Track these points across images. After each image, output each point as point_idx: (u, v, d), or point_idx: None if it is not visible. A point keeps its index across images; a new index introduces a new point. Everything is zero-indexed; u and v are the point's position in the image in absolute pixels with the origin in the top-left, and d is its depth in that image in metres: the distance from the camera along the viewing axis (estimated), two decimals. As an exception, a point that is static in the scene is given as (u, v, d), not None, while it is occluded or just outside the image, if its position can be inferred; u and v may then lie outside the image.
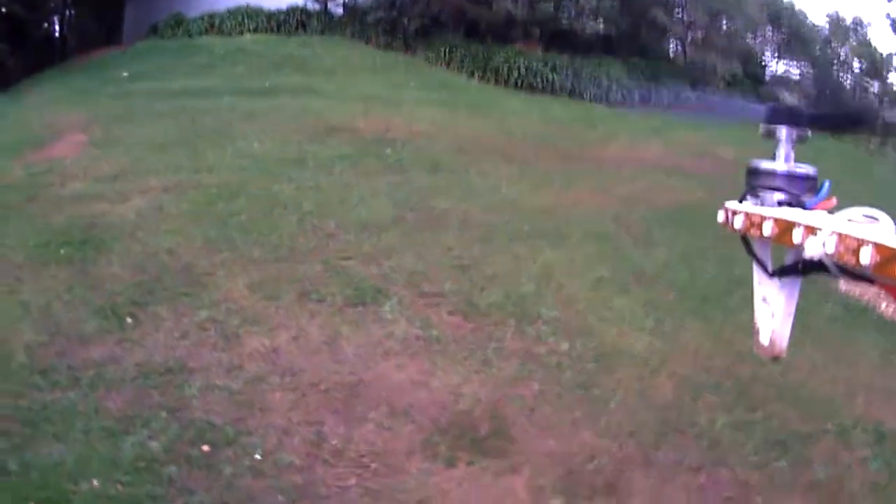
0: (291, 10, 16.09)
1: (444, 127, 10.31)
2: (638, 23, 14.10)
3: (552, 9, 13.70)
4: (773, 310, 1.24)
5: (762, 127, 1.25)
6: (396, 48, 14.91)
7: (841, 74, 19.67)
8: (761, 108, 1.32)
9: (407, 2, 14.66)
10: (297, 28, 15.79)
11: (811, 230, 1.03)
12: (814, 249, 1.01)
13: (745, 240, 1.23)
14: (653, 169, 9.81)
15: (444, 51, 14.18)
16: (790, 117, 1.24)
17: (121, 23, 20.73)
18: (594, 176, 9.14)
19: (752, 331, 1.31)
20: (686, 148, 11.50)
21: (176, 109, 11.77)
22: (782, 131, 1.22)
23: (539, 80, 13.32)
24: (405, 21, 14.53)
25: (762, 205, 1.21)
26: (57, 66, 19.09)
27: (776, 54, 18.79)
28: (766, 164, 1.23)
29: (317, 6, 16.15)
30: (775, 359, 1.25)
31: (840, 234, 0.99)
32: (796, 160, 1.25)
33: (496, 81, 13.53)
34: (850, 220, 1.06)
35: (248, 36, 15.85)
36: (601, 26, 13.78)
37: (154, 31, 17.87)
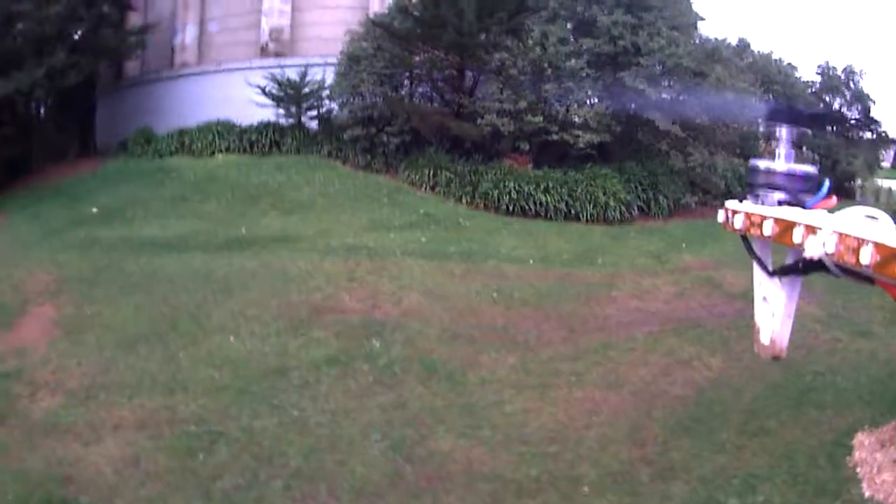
0: (264, 127, 15.28)
1: (436, 296, 9.57)
2: (633, 127, 13.32)
3: (541, 120, 12.87)
4: (774, 309, 1.49)
5: (762, 126, 0.89)
6: (377, 168, 14.09)
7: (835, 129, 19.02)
8: (762, 107, 1.56)
9: (386, 116, 13.82)
10: (270, 147, 14.98)
11: (811, 230, 1.17)
12: (814, 249, 1.17)
13: (745, 239, 1.42)
14: (665, 329, 9.08)
15: (429, 172, 13.28)
16: (790, 116, 1.47)
17: (93, 128, 20.15)
18: (602, 358, 8.41)
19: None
20: (692, 280, 10.79)
21: (146, 277, 11.23)
22: (782, 130, 1.47)
23: (531, 204, 12.47)
24: (385, 138, 13.70)
25: (762, 204, 1.38)
26: (31, 178, 18.56)
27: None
28: (765, 163, 1.43)
29: (290, 120, 15.32)
30: (775, 359, 1.45)
31: (840, 234, 1.09)
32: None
33: (486, 207, 12.68)
34: (850, 220, 1.05)
35: (219, 157, 15.08)
36: (594, 137, 12.95)
37: (124, 147, 17.15)
